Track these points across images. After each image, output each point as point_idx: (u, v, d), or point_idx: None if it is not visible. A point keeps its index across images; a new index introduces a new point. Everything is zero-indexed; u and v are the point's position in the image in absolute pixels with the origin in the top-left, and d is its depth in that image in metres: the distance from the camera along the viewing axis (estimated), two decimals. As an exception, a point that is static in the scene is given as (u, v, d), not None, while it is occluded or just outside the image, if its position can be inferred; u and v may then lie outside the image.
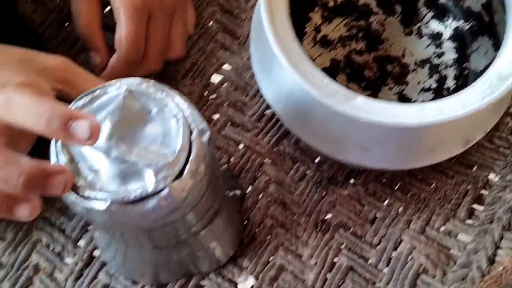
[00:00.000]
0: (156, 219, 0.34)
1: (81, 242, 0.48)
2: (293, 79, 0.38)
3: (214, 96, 0.53)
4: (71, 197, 0.33)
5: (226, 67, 0.54)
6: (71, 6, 0.50)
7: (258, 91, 0.52)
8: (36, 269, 0.48)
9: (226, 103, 0.53)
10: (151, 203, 0.32)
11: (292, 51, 0.39)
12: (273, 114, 0.51)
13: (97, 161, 0.33)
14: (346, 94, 0.38)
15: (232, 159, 0.50)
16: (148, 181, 0.32)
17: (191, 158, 0.33)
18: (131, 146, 0.33)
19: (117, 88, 0.34)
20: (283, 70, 0.40)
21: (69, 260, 0.48)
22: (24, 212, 0.34)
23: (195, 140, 0.34)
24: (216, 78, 0.54)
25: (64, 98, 0.39)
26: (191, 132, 0.34)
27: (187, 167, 0.33)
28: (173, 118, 0.34)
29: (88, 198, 0.32)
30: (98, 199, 0.32)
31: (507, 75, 0.37)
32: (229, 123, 0.52)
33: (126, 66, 0.47)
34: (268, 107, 0.52)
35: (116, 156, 0.33)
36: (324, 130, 0.42)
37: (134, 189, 0.32)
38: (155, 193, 0.32)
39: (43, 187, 0.32)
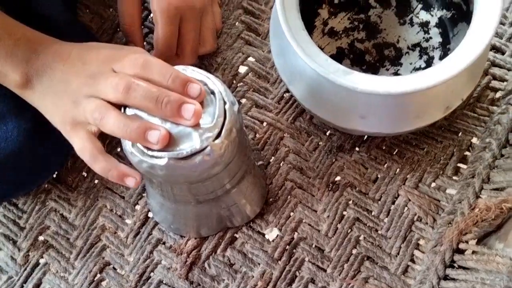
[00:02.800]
0: (202, 172, 0.44)
1: (138, 206, 0.59)
2: (303, 61, 0.48)
3: (241, 84, 0.63)
4: (138, 157, 0.43)
5: (251, 59, 0.64)
6: (117, 7, 0.60)
7: (277, 78, 0.63)
8: (103, 228, 0.59)
9: (251, 89, 0.63)
10: (198, 158, 0.43)
11: (301, 38, 0.49)
12: (291, 96, 0.61)
13: None
14: (344, 70, 0.48)
15: (257, 135, 0.61)
16: (195, 141, 0.42)
17: (226, 122, 0.43)
18: None
19: None
20: (295, 54, 0.50)
21: (128, 221, 0.59)
22: (155, 138, 0.42)
23: (229, 109, 0.44)
24: (242, 69, 0.64)
25: None
26: (225, 103, 0.44)
27: (223, 130, 0.43)
28: (211, 94, 0.44)
29: (151, 156, 0.43)
30: (159, 157, 0.43)
31: (468, 56, 0.47)
32: (254, 105, 0.62)
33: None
34: (286, 90, 0.62)
35: (170, 124, 0.43)
36: (330, 103, 0.52)
37: (185, 148, 0.42)
38: (201, 150, 0.43)
39: (184, 90, 0.43)
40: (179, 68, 0.46)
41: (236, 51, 0.65)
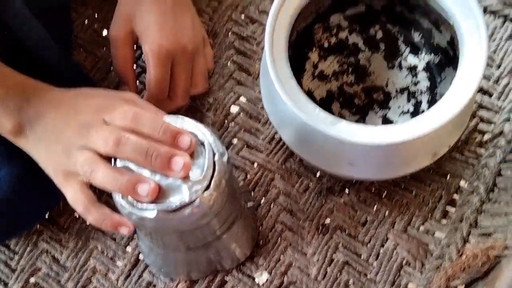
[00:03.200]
0: (191, 223, 0.45)
1: (129, 248, 0.59)
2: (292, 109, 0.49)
3: (233, 124, 0.64)
4: (128, 209, 0.44)
5: (242, 99, 0.65)
6: (110, 50, 0.61)
7: (268, 118, 0.63)
8: (94, 271, 0.59)
9: (243, 129, 0.63)
10: (187, 210, 0.43)
11: (289, 87, 0.49)
12: (281, 137, 0.62)
13: None
14: (332, 120, 0.48)
15: (248, 176, 0.61)
16: (185, 194, 0.43)
17: (215, 174, 0.44)
18: None
19: None
20: (284, 102, 0.50)
21: (119, 263, 0.59)
22: (145, 191, 0.43)
23: (218, 161, 0.44)
24: (234, 109, 0.65)
25: None
26: (214, 155, 0.45)
27: (213, 181, 0.44)
28: (200, 145, 0.45)
29: (141, 209, 0.43)
30: (149, 209, 0.43)
31: (454, 106, 0.47)
32: (246, 146, 0.63)
33: (155, 103, 0.55)
34: (277, 131, 0.62)
35: (160, 176, 0.44)
36: (318, 149, 0.52)
37: (175, 200, 0.43)
38: (190, 203, 0.43)
39: (174, 141, 0.44)
40: (171, 118, 0.47)
41: (228, 91, 0.65)
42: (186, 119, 0.47)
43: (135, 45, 0.61)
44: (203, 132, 0.46)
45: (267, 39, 0.50)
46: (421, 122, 0.48)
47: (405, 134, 0.47)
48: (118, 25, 0.59)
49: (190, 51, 0.59)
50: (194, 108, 0.64)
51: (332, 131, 0.48)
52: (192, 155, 0.45)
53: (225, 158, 0.46)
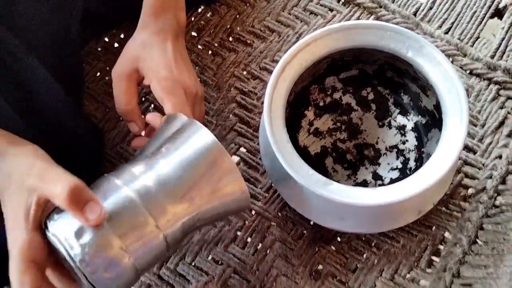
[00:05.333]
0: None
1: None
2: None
3: (233, 173, 0.68)
4: None
5: (242, 149, 0.70)
6: (113, 88, 0.60)
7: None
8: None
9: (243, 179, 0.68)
10: None
11: (286, 150, 0.54)
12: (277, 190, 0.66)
13: None
14: (324, 182, 0.53)
15: (246, 222, 0.65)
16: None
17: None
18: None
19: None
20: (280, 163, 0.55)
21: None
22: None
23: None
24: (234, 159, 0.69)
25: None
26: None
27: None
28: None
29: None
30: None
31: (438, 171, 0.52)
32: (245, 194, 0.67)
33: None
34: (274, 182, 0.67)
35: None
36: (311, 205, 0.57)
37: None
38: None
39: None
40: None
41: (229, 142, 0.70)
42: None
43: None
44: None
45: (266, 107, 0.55)
46: (407, 185, 0.52)
47: (392, 196, 0.52)
48: (122, 64, 0.60)
49: (194, 92, 0.61)
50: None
51: (325, 192, 0.52)
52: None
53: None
